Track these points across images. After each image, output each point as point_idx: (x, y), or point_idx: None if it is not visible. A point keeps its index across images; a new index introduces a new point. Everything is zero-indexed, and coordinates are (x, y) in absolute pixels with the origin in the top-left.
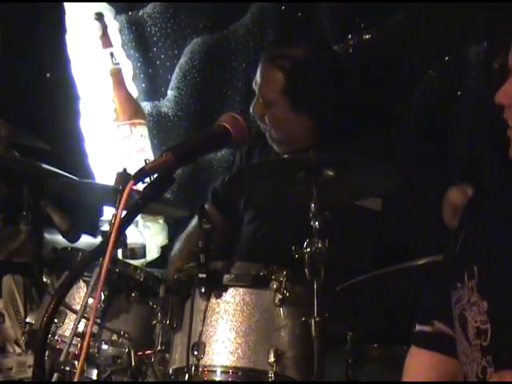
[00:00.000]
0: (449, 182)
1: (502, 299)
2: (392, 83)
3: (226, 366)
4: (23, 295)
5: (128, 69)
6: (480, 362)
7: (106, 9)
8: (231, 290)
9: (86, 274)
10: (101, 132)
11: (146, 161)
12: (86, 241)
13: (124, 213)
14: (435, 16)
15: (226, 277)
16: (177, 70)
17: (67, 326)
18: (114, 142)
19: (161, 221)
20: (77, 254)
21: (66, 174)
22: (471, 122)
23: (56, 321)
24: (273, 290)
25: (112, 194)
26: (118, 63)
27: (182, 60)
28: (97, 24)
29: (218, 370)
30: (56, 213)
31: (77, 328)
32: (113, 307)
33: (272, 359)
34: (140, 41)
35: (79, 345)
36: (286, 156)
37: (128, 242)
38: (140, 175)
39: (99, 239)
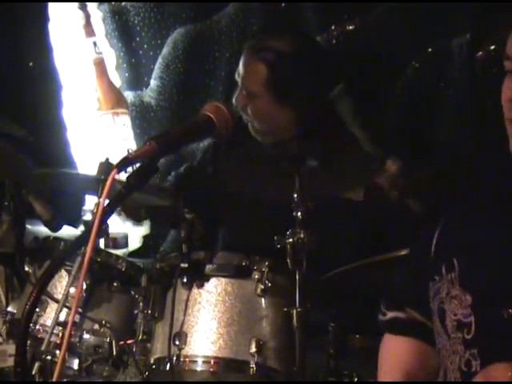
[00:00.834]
0: (431, 170)
1: (486, 292)
2: (375, 74)
3: (207, 356)
4: (4, 284)
5: (111, 58)
6: (463, 354)
7: None
8: (213, 280)
9: (68, 263)
10: (83, 121)
11: (128, 150)
12: (68, 230)
13: (107, 202)
14: (419, 7)
15: (208, 267)
16: (160, 59)
17: (49, 315)
18: (96, 131)
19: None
20: (59, 243)
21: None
22: (454, 113)
23: (38, 310)
24: (255, 281)
25: (94, 184)
26: (101, 53)
27: (165, 50)
28: (80, 13)
29: (200, 360)
30: (38, 202)
31: (58, 317)
32: (95, 297)
33: (253, 349)
34: (123, 30)
35: (61, 334)
36: (269, 153)
37: (110, 231)
38: (123, 164)
39: (81, 229)
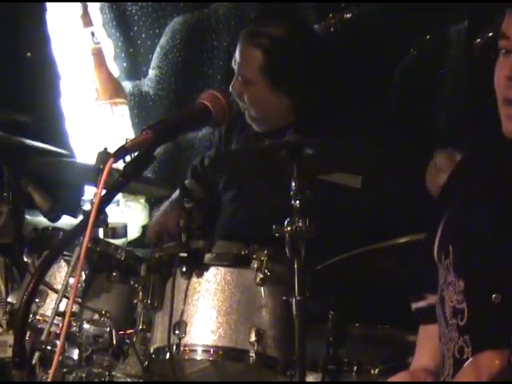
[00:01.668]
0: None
1: (477, 279)
2: (373, 61)
3: (207, 345)
4: (4, 275)
5: (109, 48)
6: (457, 341)
7: None
8: (212, 269)
9: (66, 253)
10: (82, 111)
11: (126, 140)
12: (67, 220)
13: (104, 191)
14: None
15: (207, 256)
16: (158, 49)
17: (48, 306)
18: (94, 121)
19: (142, 200)
20: (58, 233)
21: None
22: (452, 100)
23: (37, 300)
24: (254, 269)
25: (93, 173)
26: (99, 42)
27: (163, 39)
28: (77, 3)
29: (199, 349)
30: (37, 192)
31: (58, 307)
32: (94, 286)
33: (253, 338)
34: (121, 20)
35: (60, 324)
36: (266, 143)
37: (109, 221)
38: (120, 153)
39: (81, 218)
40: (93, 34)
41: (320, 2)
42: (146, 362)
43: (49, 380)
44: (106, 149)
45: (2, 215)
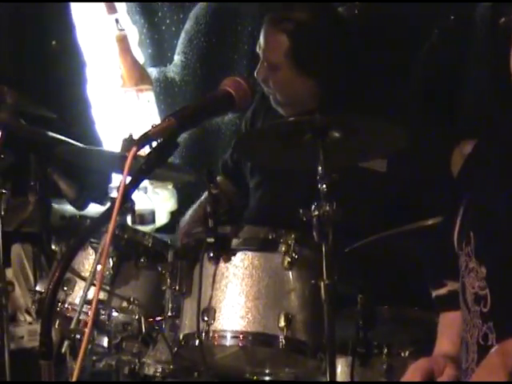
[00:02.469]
0: (455, 139)
1: (500, 265)
2: (398, 42)
3: (236, 331)
4: (32, 264)
5: (134, 35)
6: (481, 328)
7: None
8: (240, 254)
9: (94, 240)
10: (108, 98)
11: (152, 126)
12: (94, 208)
13: (129, 178)
14: None
15: (235, 241)
16: (183, 34)
17: (77, 294)
18: (120, 108)
19: (170, 186)
20: (85, 221)
21: (73, 141)
22: (477, 81)
23: (66, 288)
24: (281, 253)
25: (119, 161)
26: (124, 29)
27: (188, 25)
28: None
29: (229, 335)
30: (63, 181)
31: (86, 295)
32: (122, 274)
33: (282, 323)
34: (145, 6)
35: (89, 312)
36: (291, 118)
37: (137, 208)
38: (143, 140)
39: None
40: (117, 20)
41: None
42: (176, 349)
43: (76, 368)
44: (131, 136)
45: (29, 205)
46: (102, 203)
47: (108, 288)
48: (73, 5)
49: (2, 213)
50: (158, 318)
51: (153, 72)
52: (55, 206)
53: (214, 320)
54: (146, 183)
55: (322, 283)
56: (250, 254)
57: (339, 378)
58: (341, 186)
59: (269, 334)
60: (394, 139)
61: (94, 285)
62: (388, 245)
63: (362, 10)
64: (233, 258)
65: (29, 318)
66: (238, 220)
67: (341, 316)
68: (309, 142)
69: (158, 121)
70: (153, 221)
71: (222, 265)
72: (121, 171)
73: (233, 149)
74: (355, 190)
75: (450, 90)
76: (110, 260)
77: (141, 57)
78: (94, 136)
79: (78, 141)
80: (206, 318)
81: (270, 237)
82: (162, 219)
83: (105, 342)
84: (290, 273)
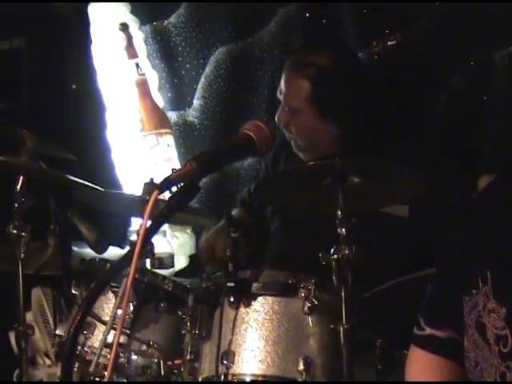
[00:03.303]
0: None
1: None
2: (417, 88)
3: (255, 375)
4: (52, 307)
5: (154, 79)
6: (499, 367)
7: (130, 19)
8: (260, 299)
9: (114, 284)
10: (127, 142)
11: (172, 170)
12: (114, 252)
13: (150, 222)
14: (460, 20)
15: (255, 285)
16: (202, 79)
17: (97, 337)
18: (140, 152)
19: (189, 230)
20: (105, 265)
21: (93, 185)
22: (497, 127)
23: (85, 332)
24: (301, 299)
25: (139, 205)
26: (144, 73)
27: (208, 69)
28: (122, 35)
29: (248, 379)
30: (83, 224)
31: (106, 339)
32: (142, 317)
33: (301, 367)
34: (165, 51)
35: (108, 355)
36: (311, 163)
37: (156, 251)
38: (165, 184)
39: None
40: (137, 65)
41: (364, 29)
42: None
43: None
44: (152, 180)
45: (49, 247)
46: (121, 247)
47: (128, 331)
48: (93, 49)
49: (22, 256)
50: (177, 362)
51: (172, 116)
52: (75, 249)
53: (233, 363)
54: (164, 227)
55: (341, 327)
56: (270, 298)
57: None
58: (361, 231)
59: (287, 377)
60: (414, 184)
61: (114, 328)
62: (408, 290)
63: (382, 56)
64: (253, 302)
65: (48, 361)
66: (258, 264)
67: (360, 361)
68: (329, 186)
69: (177, 165)
70: (172, 264)
71: (242, 309)
72: (141, 215)
73: (253, 192)
74: (376, 235)
75: (470, 134)
76: (130, 304)
77: (160, 101)
78: (114, 180)
79: (97, 185)
80: (225, 362)
81: (290, 281)
82: (180, 263)
83: None
84: (310, 318)
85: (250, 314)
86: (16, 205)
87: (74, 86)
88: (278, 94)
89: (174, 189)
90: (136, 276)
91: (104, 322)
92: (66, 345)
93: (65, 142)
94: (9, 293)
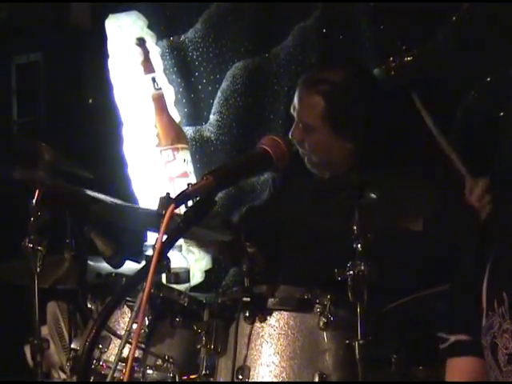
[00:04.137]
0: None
1: None
2: (434, 103)
3: None
4: (68, 321)
5: (170, 94)
6: None
7: (147, 34)
8: (275, 314)
9: (130, 299)
10: (144, 157)
11: (188, 185)
12: (130, 266)
13: (166, 236)
14: (476, 36)
15: (271, 300)
16: (219, 94)
17: (112, 352)
18: (156, 167)
19: None
20: (121, 279)
21: (109, 199)
22: None
23: (101, 346)
24: (317, 314)
25: (155, 219)
26: (160, 88)
27: (224, 84)
28: (138, 49)
29: None
30: (99, 238)
31: (121, 353)
32: (157, 332)
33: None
34: (182, 66)
35: (124, 370)
36: (328, 178)
37: (172, 266)
38: (181, 199)
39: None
40: (154, 79)
41: (380, 44)
42: None
43: None
44: (168, 194)
45: (65, 262)
46: (137, 261)
47: (143, 346)
48: (110, 63)
49: (38, 270)
50: (193, 376)
51: (189, 131)
52: (91, 263)
53: (249, 378)
54: (180, 241)
55: (357, 343)
56: (285, 314)
57: None
58: (376, 246)
59: None
60: (429, 199)
61: (130, 343)
62: (423, 306)
63: (399, 71)
64: (268, 317)
65: (63, 376)
66: (274, 279)
67: (375, 376)
68: (345, 201)
69: (193, 180)
70: (187, 279)
71: (257, 324)
72: (157, 229)
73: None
74: (391, 250)
75: (486, 150)
76: (146, 319)
77: (177, 116)
78: (130, 194)
79: (114, 199)
80: (240, 377)
81: (306, 297)
82: (196, 278)
83: None
84: (325, 333)
85: (266, 329)
86: (32, 219)
87: (90, 101)
88: (292, 110)
89: (190, 203)
90: (152, 291)
91: (119, 336)
92: (82, 358)
93: (81, 156)
94: (24, 307)
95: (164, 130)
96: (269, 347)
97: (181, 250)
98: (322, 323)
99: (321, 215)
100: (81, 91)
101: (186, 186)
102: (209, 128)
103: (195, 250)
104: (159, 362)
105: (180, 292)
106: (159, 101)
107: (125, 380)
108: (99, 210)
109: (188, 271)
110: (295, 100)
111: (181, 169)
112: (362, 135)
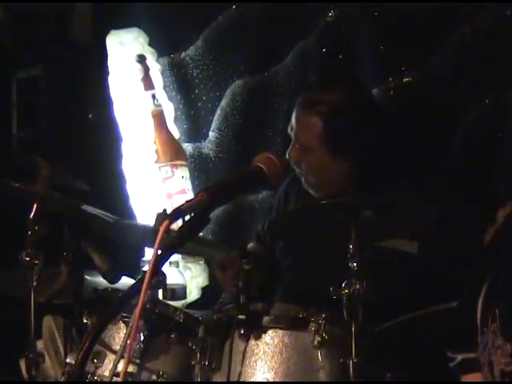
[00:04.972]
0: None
1: None
2: (432, 124)
3: None
4: (63, 336)
5: (170, 110)
6: None
7: (148, 51)
8: (270, 332)
9: (125, 314)
10: (142, 173)
11: (185, 202)
12: (127, 281)
13: (160, 252)
14: (475, 58)
15: (266, 318)
16: (218, 111)
17: (107, 367)
18: (155, 183)
19: (201, 262)
20: (117, 294)
21: (107, 214)
22: None
23: (96, 361)
24: (311, 332)
25: (152, 235)
26: (160, 105)
27: (224, 102)
28: (139, 66)
29: None
30: (96, 253)
31: (116, 368)
32: (152, 348)
33: None
34: (182, 83)
35: None
36: (323, 202)
37: (168, 282)
38: (176, 214)
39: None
40: (154, 96)
41: (380, 65)
42: None
43: None
44: (165, 210)
45: (62, 275)
46: (133, 277)
47: (138, 361)
48: (110, 79)
49: (35, 283)
50: None
51: (188, 148)
52: (88, 278)
53: None
54: (177, 258)
55: (351, 362)
56: (280, 332)
57: None
58: (372, 266)
59: None
60: (426, 219)
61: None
62: (417, 325)
63: (398, 92)
64: (263, 335)
65: None
66: (270, 297)
67: None
68: (341, 220)
69: (192, 197)
70: (184, 296)
71: (252, 342)
72: (153, 245)
73: (266, 229)
74: (386, 271)
75: (485, 171)
76: (141, 334)
77: (176, 132)
78: (129, 210)
79: (112, 214)
80: None
81: (301, 315)
82: (193, 295)
83: None
84: (319, 351)
85: (260, 347)
86: (29, 232)
87: (90, 116)
88: (289, 130)
89: (186, 219)
90: (147, 306)
91: (114, 351)
92: (74, 371)
93: (80, 171)
94: (20, 320)
95: (163, 146)
96: (263, 364)
97: (178, 267)
98: (316, 341)
99: (318, 234)
100: (81, 106)
101: (183, 203)
102: (208, 145)
103: (192, 266)
104: (154, 377)
105: (176, 308)
106: (159, 117)
107: None
108: (97, 225)
109: (185, 288)
110: (293, 120)
111: (179, 185)
112: (360, 156)
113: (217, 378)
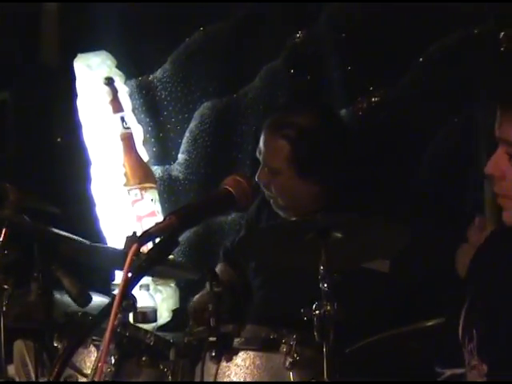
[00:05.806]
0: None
1: (500, 363)
2: (401, 144)
3: None
4: (34, 360)
5: (139, 133)
6: None
7: (116, 74)
8: (242, 354)
9: (96, 338)
10: (112, 196)
11: (155, 224)
12: (98, 304)
13: (129, 275)
14: (443, 77)
15: (237, 340)
16: (187, 133)
17: None
18: (124, 206)
19: (172, 284)
20: (87, 318)
21: (77, 237)
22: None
23: None
24: (283, 354)
25: (122, 258)
26: (129, 127)
27: (192, 124)
28: (107, 89)
29: None
30: (66, 277)
31: None
32: (123, 371)
33: None
34: (150, 105)
35: None
36: (294, 219)
37: (139, 305)
38: (145, 237)
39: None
40: (122, 119)
41: (349, 85)
42: None
43: None
44: (134, 233)
45: (31, 294)
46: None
47: None
48: (79, 102)
49: (4, 308)
50: None
51: (157, 170)
52: (58, 296)
53: None
54: (148, 281)
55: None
56: (251, 353)
57: None
58: (343, 286)
59: None
60: (396, 239)
61: (95, 383)
62: (390, 345)
63: (366, 112)
64: (234, 357)
65: None
66: (240, 318)
67: None
68: (311, 241)
69: (161, 219)
70: (155, 319)
71: (223, 364)
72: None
73: (235, 248)
74: (357, 290)
75: (454, 189)
76: (112, 357)
77: (145, 155)
78: (98, 234)
79: (82, 237)
80: None
81: (272, 337)
82: (164, 317)
83: None
84: (291, 373)
85: (232, 369)
86: None
87: (59, 139)
88: (258, 154)
89: (155, 241)
90: (118, 330)
91: (85, 375)
92: None
93: (49, 194)
94: None
95: (132, 169)
96: None
97: (148, 289)
98: (288, 363)
99: (287, 255)
100: (49, 130)
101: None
102: (177, 167)
103: (162, 288)
104: None
105: (146, 331)
106: (128, 140)
107: None
108: (67, 248)
109: (155, 310)
110: (261, 143)
111: (149, 208)
112: (329, 178)
113: None
